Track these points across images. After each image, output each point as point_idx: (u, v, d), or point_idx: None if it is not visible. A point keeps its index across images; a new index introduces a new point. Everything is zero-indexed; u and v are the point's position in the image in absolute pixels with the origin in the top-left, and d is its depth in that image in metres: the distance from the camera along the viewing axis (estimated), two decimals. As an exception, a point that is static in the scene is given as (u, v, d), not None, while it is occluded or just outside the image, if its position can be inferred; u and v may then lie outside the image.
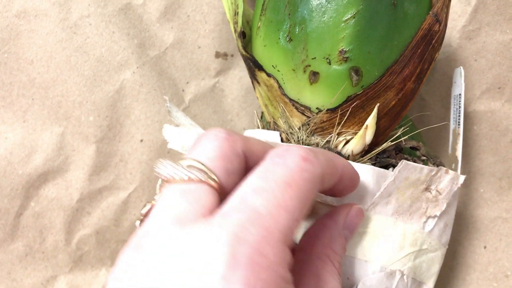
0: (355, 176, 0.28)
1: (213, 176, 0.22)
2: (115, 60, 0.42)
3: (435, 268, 0.33)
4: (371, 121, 0.31)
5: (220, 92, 0.45)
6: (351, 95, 0.31)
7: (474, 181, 0.44)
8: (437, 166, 0.35)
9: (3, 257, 0.42)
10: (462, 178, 0.33)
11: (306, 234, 0.27)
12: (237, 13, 0.34)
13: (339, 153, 0.31)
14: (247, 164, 0.24)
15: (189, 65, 0.44)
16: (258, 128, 0.37)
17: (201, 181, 0.21)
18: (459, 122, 0.37)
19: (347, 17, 0.29)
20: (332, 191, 0.27)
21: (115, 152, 0.43)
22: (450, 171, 0.32)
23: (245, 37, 0.35)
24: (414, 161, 0.34)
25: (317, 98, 0.32)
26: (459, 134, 0.36)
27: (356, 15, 0.29)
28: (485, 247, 0.44)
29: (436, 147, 0.44)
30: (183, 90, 0.44)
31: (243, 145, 0.24)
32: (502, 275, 0.43)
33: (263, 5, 0.33)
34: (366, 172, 0.30)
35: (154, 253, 0.19)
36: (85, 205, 0.43)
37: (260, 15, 0.33)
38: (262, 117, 0.39)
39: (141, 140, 0.43)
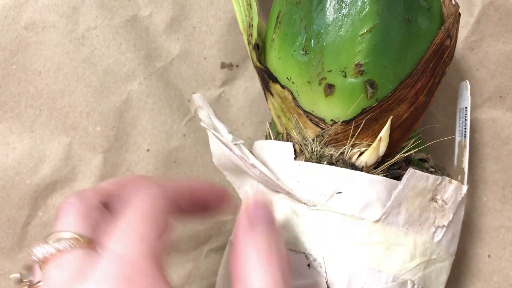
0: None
1: (80, 238, 0.24)
2: (122, 71, 0.43)
3: (443, 277, 0.33)
4: (384, 134, 0.31)
5: (226, 102, 0.45)
6: (366, 108, 0.32)
7: (477, 190, 0.45)
8: (447, 176, 0.35)
9: (11, 266, 0.42)
10: (464, 188, 0.34)
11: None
12: (252, 25, 0.35)
13: (353, 165, 0.32)
14: (117, 199, 0.28)
15: (195, 76, 0.44)
16: (270, 139, 0.37)
17: (70, 247, 0.24)
18: (465, 134, 0.37)
19: (363, 31, 0.30)
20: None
21: (122, 162, 0.44)
22: (454, 181, 0.33)
23: (259, 49, 0.36)
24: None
25: (332, 110, 0.32)
26: (465, 146, 0.37)
27: (373, 30, 0.30)
28: (489, 256, 0.44)
29: (440, 158, 0.44)
30: (189, 101, 0.44)
31: (98, 197, 0.27)
32: (507, 284, 0.44)
33: (277, 18, 0.34)
34: (379, 183, 0.31)
35: None
36: (92, 214, 0.44)
37: (275, 27, 0.34)
38: (271, 127, 0.39)
39: (148, 150, 0.44)
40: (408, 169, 0.31)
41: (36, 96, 0.42)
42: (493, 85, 0.43)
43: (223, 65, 0.45)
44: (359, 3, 0.30)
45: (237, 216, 0.27)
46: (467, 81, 0.38)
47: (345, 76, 0.31)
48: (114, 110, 0.43)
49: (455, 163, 0.38)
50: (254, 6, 0.35)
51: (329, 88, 0.32)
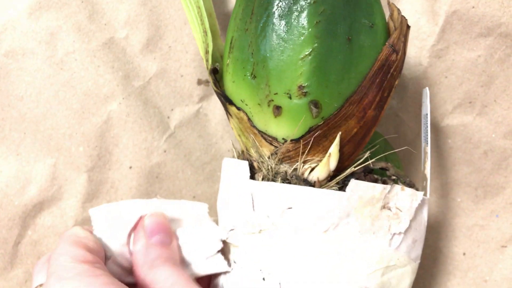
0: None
1: None
2: (102, 93, 0.44)
3: (406, 282, 0.34)
4: (334, 149, 0.33)
5: (204, 117, 0.47)
6: (312, 126, 0.33)
7: (451, 192, 0.46)
8: (407, 184, 0.36)
9: (4, 285, 0.44)
10: (420, 194, 0.34)
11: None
12: (208, 51, 0.36)
13: (306, 180, 0.33)
14: None
15: (173, 93, 0.46)
16: (234, 157, 0.38)
17: None
18: (427, 141, 0.38)
19: (303, 55, 0.31)
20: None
21: (106, 179, 0.45)
22: (407, 188, 0.34)
23: (218, 72, 0.37)
24: (384, 181, 0.35)
25: (282, 129, 0.34)
26: (427, 152, 0.38)
27: (312, 53, 0.31)
28: (464, 254, 0.46)
29: (412, 165, 0.46)
30: (168, 117, 0.46)
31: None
32: (481, 280, 0.45)
33: (230, 43, 0.35)
34: (328, 196, 0.32)
35: None
36: (80, 231, 0.45)
37: (229, 52, 0.35)
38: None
39: (130, 167, 0.45)
40: (351, 181, 0.32)
41: (19, 120, 0.44)
42: (462, 91, 0.45)
43: (199, 82, 0.46)
44: (298, 29, 0.31)
45: None
46: (427, 88, 0.38)
47: (290, 97, 0.32)
48: (95, 130, 0.44)
49: (422, 168, 0.40)
50: (209, 34, 0.36)
51: (277, 109, 0.33)
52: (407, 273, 0.34)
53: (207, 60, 0.36)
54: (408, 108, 0.45)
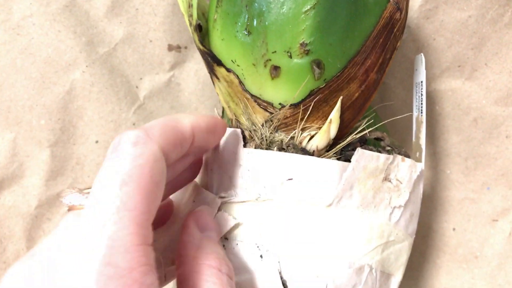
0: (213, 126, 0.27)
1: None
2: (63, 60, 0.41)
3: (403, 258, 0.32)
4: (335, 115, 0.30)
5: (176, 86, 0.43)
6: (313, 89, 0.30)
7: (440, 163, 0.44)
8: (402, 155, 0.34)
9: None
10: (419, 165, 0.32)
11: (180, 248, 0.27)
12: (191, 5, 0.33)
13: (304, 149, 0.30)
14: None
15: (142, 60, 0.42)
16: None
17: None
18: (421, 110, 0.36)
19: (306, 8, 0.28)
20: (196, 150, 0.27)
21: (71, 155, 0.42)
22: (407, 159, 0.32)
23: (202, 30, 0.34)
24: (379, 151, 0.34)
25: (279, 93, 0.31)
26: (422, 122, 0.35)
27: (316, 6, 0.28)
28: (454, 229, 0.43)
29: (401, 133, 0.43)
30: (137, 87, 0.42)
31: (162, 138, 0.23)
32: (472, 256, 0.43)
33: None
34: (330, 167, 0.29)
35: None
36: (44, 211, 0.42)
37: (216, 6, 0.31)
38: (223, 113, 0.37)
39: (97, 141, 0.42)
40: (357, 150, 0.30)
41: (-27, 91, 0.40)
42: (451, 55, 0.42)
43: (170, 48, 0.43)
44: None
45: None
46: (422, 54, 0.36)
47: (290, 56, 0.29)
48: (57, 101, 0.41)
49: (413, 139, 0.37)
50: None
51: (275, 70, 0.30)
52: (405, 249, 0.32)
53: (190, 15, 0.33)
54: (395, 73, 0.43)
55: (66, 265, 0.20)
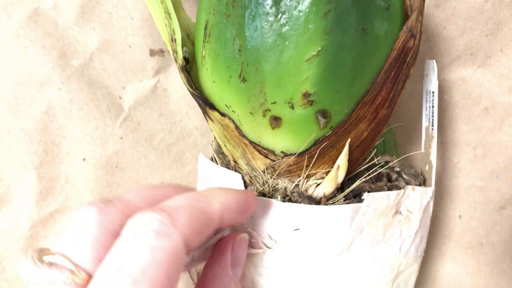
0: (245, 206, 0.24)
1: (80, 274, 0.20)
2: (36, 79, 0.37)
3: (412, 280, 0.32)
4: (342, 161, 0.27)
5: (163, 92, 0.40)
6: (319, 138, 0.27)
7: (447, 152, 0.42)
8: (412, 176, 0.32)
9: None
10: (430, 190, 0.31)
11: (208, 275, 0.25)
12: (175, 40, 0.28)
13: (310, 197, 0.28)
14: None
15: (122, 68, 0.38)
16: (216, 163, 0.32)
17: (64, 284, 0.19)
18: (432, 122, 0.33)
19: (309, 56, 0.24)
20: (223, 226, 0.24)
21: (58, 174, 0.39)
22: (417, 188, 0.30)
23: (188, 62, 0.30)
24: (388, 174, 0.32)
25: (281, 142, 0.28)
26: (433, 137, 0.33)
27: (320, 53, 0.24)
28: (460, 217, 0.43)
29: (407, 137, 0.41)
30: (120, 98, 0.39)
31: (123, 217, 0.21)
32: (477, 243, 0.43)
33: (205, 29, 0.27)
34: (339, 215, 0.28)
35: None
36: (39, 230, 0.40)
37: (204, 41, 0.27)
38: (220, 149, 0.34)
39: (84, 159, 0.39)
40: (366, 195, 0.28)
41: None
42: (463, 43, 0.38)
43: (152, 52, 0.38)
44: (302, 21, 0.24)
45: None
46: (434, 61, 0.32)
47: (292, 107, 0.26)
48: (35, 123, 0.38)
49: (422, 149, 0.35)
50: (174, 17, 0.28)
51: (275, 121, 0.27)
52: (414, 271, 0.32)
53: (174, 51, 0.29)
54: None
55: None
